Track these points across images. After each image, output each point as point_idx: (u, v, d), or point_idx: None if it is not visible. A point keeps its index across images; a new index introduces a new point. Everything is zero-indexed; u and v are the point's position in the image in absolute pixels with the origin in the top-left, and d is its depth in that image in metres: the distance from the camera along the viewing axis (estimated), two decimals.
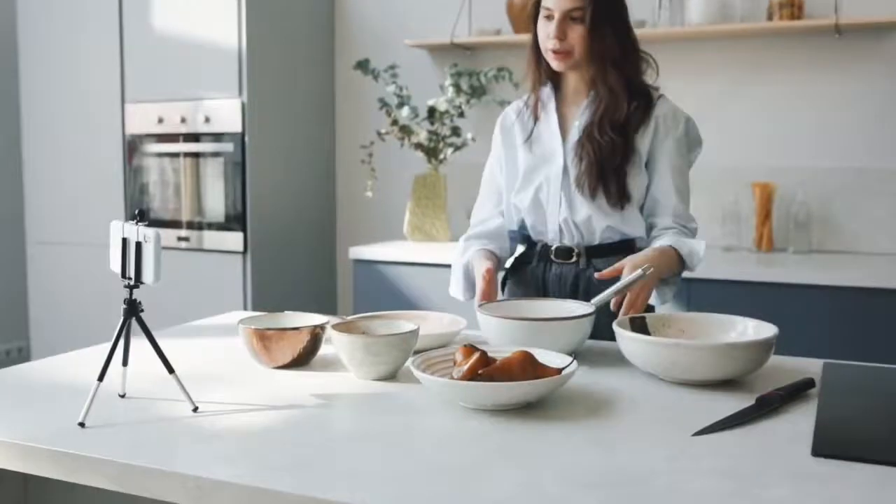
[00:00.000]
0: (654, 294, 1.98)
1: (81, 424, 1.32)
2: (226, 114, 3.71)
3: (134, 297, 1.42)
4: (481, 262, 1.98)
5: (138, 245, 1.37)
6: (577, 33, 1.93)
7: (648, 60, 2.03)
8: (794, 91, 3.43)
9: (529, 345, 1.53)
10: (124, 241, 1.40)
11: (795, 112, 3.43)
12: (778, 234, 3.42)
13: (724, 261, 3.19)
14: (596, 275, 1.87)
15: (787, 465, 1.16)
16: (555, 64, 1.97)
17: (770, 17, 3.32)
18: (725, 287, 2.94)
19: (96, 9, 3.98)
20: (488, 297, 1.89)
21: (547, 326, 1.64)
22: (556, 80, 2.08)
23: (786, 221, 3.39)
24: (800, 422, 1.33)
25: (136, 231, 1.38)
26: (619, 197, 1.98)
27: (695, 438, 1.27)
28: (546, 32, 1.96)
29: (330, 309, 4.17)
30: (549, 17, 1.95)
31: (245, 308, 3.70)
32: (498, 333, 1.67)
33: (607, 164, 1.96)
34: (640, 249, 1.99)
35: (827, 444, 1.20)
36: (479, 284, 1.92)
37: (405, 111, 3.64)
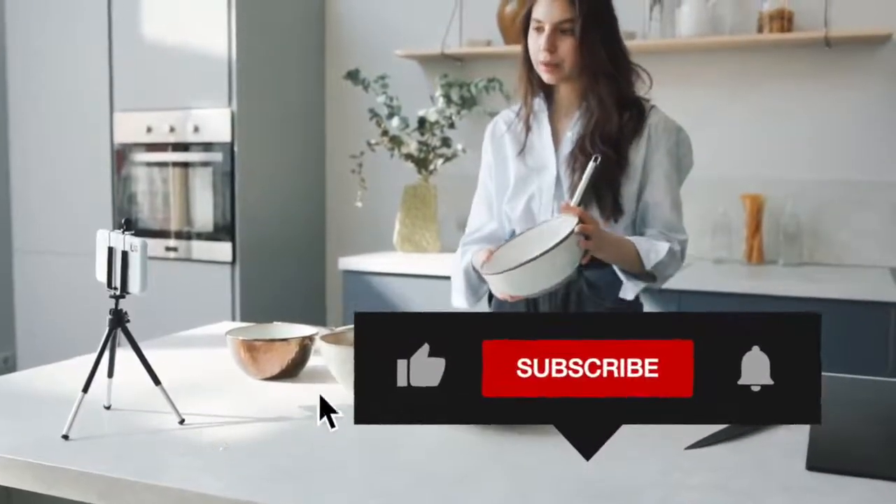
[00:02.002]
0: (625, 285, 1.96)
1: (65, 437, 1.30)
2: (215, 123, 3.69)
3: (120, 307, 1.40)
4: (483, 253, 1.95)
5: (125, 254, 1.36)
6: (567, 45, 1.92)
7: (639, 72, 2.03)
8: (783, 103, 3.43)
9: (539, 283, 1.66)
10: (110, 250, 1.39)
11: (785, 124, 3.43)
12: (768, 247, 3.42)
13: (714, 273, 3.18)
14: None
15: (782, 479, 1.15)
16: (546, 77, 1.96)
17: (760, 30, 3.33)
18: (716, 299, 2.93)
19: (85, 17, 3.96)
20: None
21: (543, 261, 1.66)
22: (547, 91, 2.07)
23: (776, 233, 3.39)
24: (793, 435, 1.31)
25: (122, 240, 1.36)
26: (612, 210, 1.96)
27: (688, 452, 1.26)
28: (537, 45, 1.94)
29: (319, 320, 4.15)
30: (539, 30, 1.94)
31: (233, 318, 3.68)
32: (506, 287, 1.73)
33: (602, 176, 1.95)
34: None
35: (822, 458, 1.19)
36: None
37: (395, 121, 3.63)
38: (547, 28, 1.92)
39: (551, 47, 1.92)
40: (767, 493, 1.10)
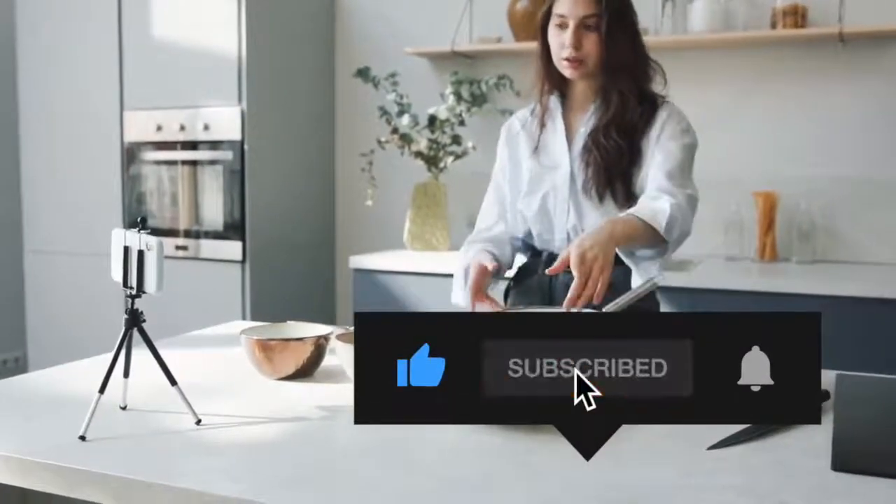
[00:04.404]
0: (634, 274, 1.91)
1: (82, 437, 1.29)
2: (225, 122, 3.68)
3: (135, 306, 1.39)
4: (478, 258, 1.94)
5: (140, 253, 1.35)
6: (591, 41, 1.91)
7: (656, 68, 2.02)
8: (797, 99, 3.41)
9: None
10: (126, 249, 1.38)
11: (798, 121, 3.41)
12: (781, 244, 3.40)
13: (727, 270, 3.16)
14: (547, 270, 1.77)
15: (807, 480, 1.13)
16: (568, 73, 1.95)
17: (773, 26, 3.31)
18: (729, 297, 2.91)
19: (95, 16, 3.96)
20: (478, 286, 1.86)
21: None
22: (562, 87, 2.05)
23: (789, 231, 3.37)
24: (816, 435, 1.30)
25: (138, 239, 1.35)
26: (625, 199, 1.95)
27: (710, 452, 1.24)
28: (560, 41, 1.93)
29: (329, 318, 4.14)
30: (562, 26, 1.92)
31: (244, 317, 3.67)
32: None
33: (614, 168, 1.94)
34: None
35: (847, 458, 1.17)
36: (471, 275, 1.88)
37: (405, 119, 3.62)
38: (571, 24, 1.90)
39: (577, 43, 1.90)
40: (796, 495, 1.08)
